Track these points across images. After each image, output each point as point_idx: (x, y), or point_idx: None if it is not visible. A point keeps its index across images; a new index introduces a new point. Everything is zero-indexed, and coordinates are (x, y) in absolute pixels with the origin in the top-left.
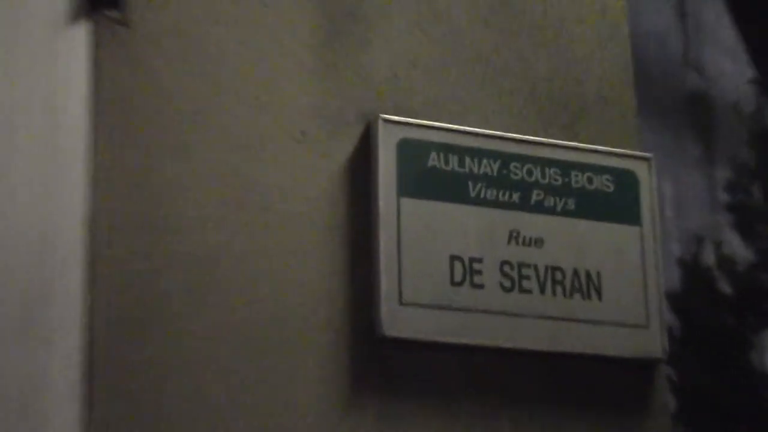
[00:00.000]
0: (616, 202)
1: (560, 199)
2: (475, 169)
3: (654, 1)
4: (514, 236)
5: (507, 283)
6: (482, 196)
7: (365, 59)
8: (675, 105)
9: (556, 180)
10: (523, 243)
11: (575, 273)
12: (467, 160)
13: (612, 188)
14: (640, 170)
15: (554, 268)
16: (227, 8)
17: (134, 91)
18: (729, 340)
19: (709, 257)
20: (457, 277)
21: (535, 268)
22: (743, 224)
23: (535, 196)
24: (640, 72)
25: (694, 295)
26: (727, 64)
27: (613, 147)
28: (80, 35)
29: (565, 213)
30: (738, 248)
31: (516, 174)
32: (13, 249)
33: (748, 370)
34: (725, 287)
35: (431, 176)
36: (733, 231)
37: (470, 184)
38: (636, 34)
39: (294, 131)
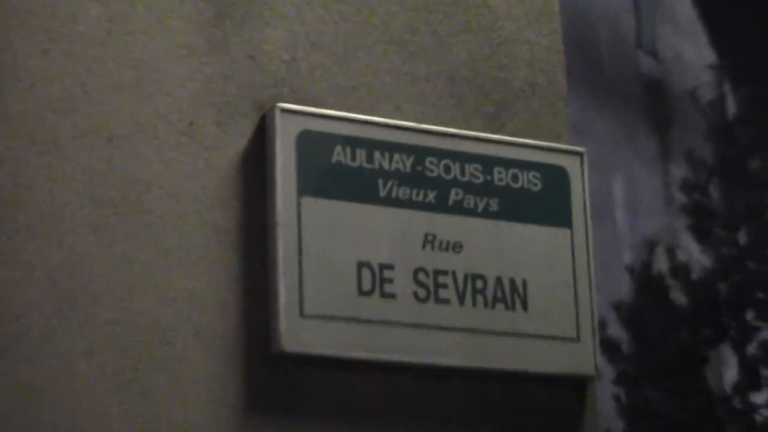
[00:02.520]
0: (544, 202)
1: (481, 199)
2: (386, 165)
3: None
4: (429, 240)
5: (422, 293)
6: (394, 195)
7: (259, 39)
8: (628, 93)
9: (477, 177)
10: (440, 248)
11: (498, 281)
12: (376, 154)
13: (540, 186)
14: (572, 166)
15: (475, 276)
16: None
17: None
18: (683, 356)
19: (662, 264)
20: (366, 286)
21: (454, 275)
22: (699, 228)
23: (454, 195)
24: (589, 56)
25: (645, 306)
26: (684, 48)
27: (543, 140)
28: None
29: (487, 214)
30: (694, 254)
31: (432, 171)
32: None
33: (703, 389)
34: (679, 297)
35: (336, 173)
36: (689, 235)
37: (380, 181)
38: (585, 14)
39: (179, 122)
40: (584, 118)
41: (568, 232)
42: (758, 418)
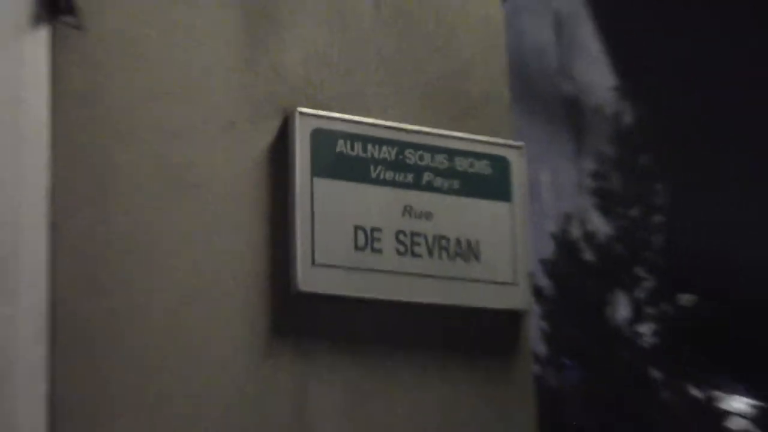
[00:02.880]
0: (492, 183)
1: (447, 180)
2: (376, 155)
3: (536, 21)
4: (408, 210)
5: (401, 249)
6: (381, 177)
7: (282, 58)
8: (552, 108)
9: (443, 164)
10: (416, 216)
11: (458, 241)
12: (369, 146)
13: (490, 171)
14: (513, 156)
15: (441, 237)
16: (164, 14)
17: (86, 86)
18: (590, 299)
19: (576, 232)
20: (360, 243)
21: (425, 236)
22: (603, 206)
23: (426, 177)
24: (523, 80)
25: (564, 263)
26: (594, 74)
27: (492, 137)
28: (41, 38)
29: (451, 191)
30: (599, 225)
31: (410, 159)
32: None
33: (604, 323)
34: (589, 256)
35: (339, 160)
36: (596, 211)
37: (372, 166)
38: (520, 49)
39: (222, 121)
40: (521, 125)
41: (509, 205)
42: (643, 343)
